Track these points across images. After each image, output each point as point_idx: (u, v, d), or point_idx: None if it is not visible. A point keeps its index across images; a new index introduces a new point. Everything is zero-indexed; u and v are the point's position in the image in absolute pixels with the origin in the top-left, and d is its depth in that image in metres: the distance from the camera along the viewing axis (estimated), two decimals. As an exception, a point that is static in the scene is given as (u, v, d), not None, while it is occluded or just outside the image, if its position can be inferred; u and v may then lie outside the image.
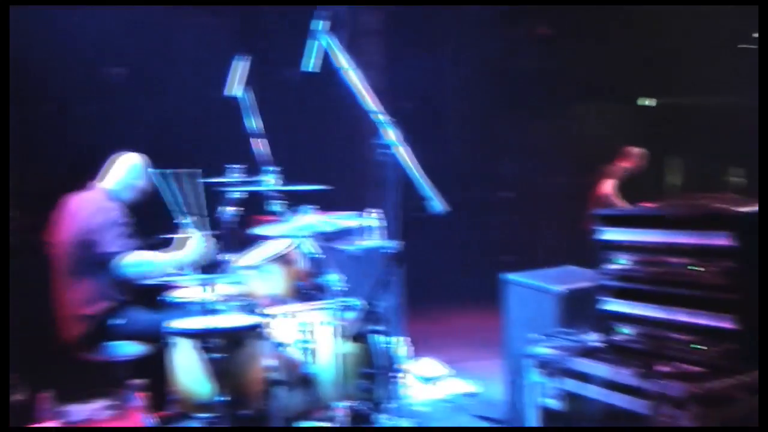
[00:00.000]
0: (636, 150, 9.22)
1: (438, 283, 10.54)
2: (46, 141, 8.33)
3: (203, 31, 9.63)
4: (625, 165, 9.13)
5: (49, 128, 8.33)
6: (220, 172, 5.57)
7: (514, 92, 12.08)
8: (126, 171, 5.41)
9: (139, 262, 5.01)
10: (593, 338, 4.49)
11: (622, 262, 4.29)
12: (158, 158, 5.73)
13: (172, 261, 5.12)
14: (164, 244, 5.38)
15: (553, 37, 12.18)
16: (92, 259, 5.02)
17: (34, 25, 7.69)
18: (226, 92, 5.74)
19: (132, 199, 5.42)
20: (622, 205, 8.74)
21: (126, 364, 5.31)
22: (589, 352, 4.31)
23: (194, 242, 5.20)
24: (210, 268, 5.38)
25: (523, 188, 12.63)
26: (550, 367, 4.40)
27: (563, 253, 6.45)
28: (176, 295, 5.28)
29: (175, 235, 5.37)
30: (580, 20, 11.27)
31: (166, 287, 5.29)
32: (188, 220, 5.28)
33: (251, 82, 5.75)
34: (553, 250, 10.67)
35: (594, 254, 4.50)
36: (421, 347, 7.31)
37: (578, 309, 4.87)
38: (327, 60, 4.44)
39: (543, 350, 4.52)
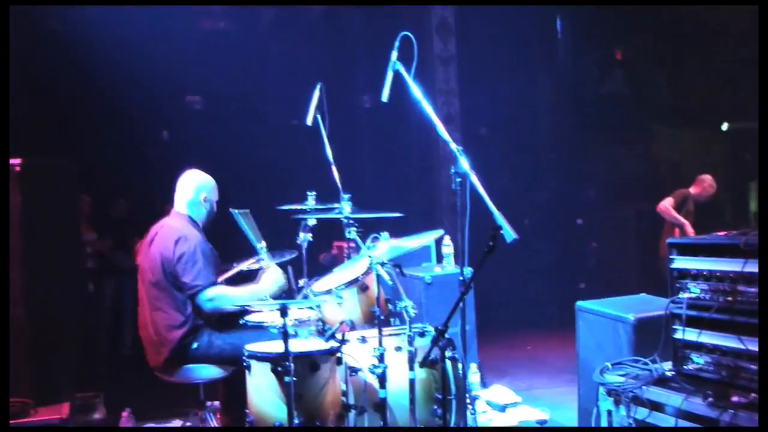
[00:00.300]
0: (706, 177, 9.15)
1: (512, 309, 10.52)
2: (126, 166, 8.59)
3: (288, 59, 9.85)
4: (691, 190, 9.08)
5: (130, 153, 8.59)
6: (300, 199, 5.68)
7: (596, 117, 12.02)
8: (194, 188, 5.42)
9: (219, 297, 5.10)
10: (666, 367, 4.46)
11: (696, 290, 4.26)
12: (238, 185, 5.86)
13: (251, 295, 5.20)
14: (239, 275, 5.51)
15: (635, 62, 12.10)
16: (174, 288, 5.14)
17: (120, 52, 7.98)
18: (307, 121, 5.85)
19: (207, 215, 5.47)
20: (678, 218, 8.67)
21: (204, 387, 5.43)
22: (662, 381, 4.29)
23: (271, 274, 5.28)
24: (287, 292, 5.48)
25: (602, 214, 12.51)
26: (622, 395, 4.38)
27: (639, 280, 6.40)
28: (253, 319, 5.37)
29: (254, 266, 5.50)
30: (663, 44, 11.18)
31: (244, 311, 5.38)
32: (264, 252, 5.37)
33: (332, 110, 5.84)
34: (630, 277, 10.54)
35: (668, 282, 4.47)
36: (493, 373, 7.32)
37: (652, 337, 4.83)
38: (403, 88, 4.50)
39: (615, 378, 4.50)
